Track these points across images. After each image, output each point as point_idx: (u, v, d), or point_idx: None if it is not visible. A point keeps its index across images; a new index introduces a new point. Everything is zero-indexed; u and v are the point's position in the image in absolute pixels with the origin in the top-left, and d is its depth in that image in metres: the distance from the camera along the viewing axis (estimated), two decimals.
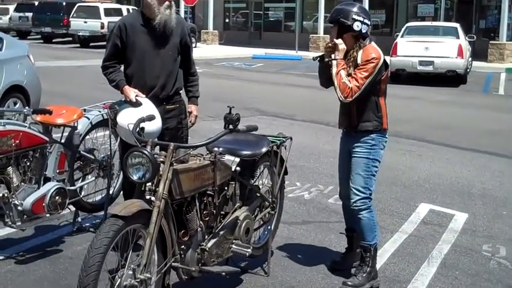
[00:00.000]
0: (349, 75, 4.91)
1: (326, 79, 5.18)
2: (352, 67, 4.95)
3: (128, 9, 37.14)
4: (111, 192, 6.25)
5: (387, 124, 5.13)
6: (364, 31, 4.96)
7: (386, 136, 5.17)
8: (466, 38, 21.44)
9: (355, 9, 4.96)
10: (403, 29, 21.66)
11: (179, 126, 5.53)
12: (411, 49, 19.70)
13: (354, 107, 5.00)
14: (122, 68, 5.52)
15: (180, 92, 5.60)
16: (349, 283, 5.06)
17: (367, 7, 30.30)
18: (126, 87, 5.33)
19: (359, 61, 4.90)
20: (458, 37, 20.34)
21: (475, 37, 23.58)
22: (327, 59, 5.02)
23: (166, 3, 5.30)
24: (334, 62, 4.94)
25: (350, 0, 5.40)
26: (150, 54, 5.36)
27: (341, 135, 5.35)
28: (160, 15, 5.29)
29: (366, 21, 4.97)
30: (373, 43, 5.02)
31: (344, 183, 5.29)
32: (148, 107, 5.14)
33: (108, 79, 5.50)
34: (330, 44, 5.00)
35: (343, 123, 5.22)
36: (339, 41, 4.95)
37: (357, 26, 4.92)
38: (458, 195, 7.86)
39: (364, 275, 5.08)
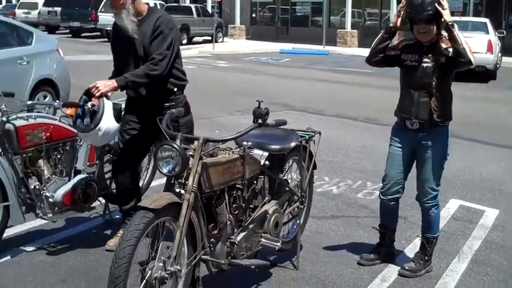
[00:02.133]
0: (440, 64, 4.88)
1: (380, 51, 5.10)
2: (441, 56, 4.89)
3: (155, 4, 37.38)
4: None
5: None
6: None
7: None
8: (496, 33, 21.19)
9: None
10: None
11: (175, 125, 5.10)
12: None
13: (436, 96, 4.90)
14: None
15: (175, 89, 5.35)
16: (407, 267, 5.19)
17: (395, 2, 30.14)
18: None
19: (443, 46, 4.89)
20: (487, 32, 20.13)
21: (504, 32, 23.29)
22: (450, 22, 4.79)
23: (114, 10, 5.23)
24: (456, 25, 4.78)
25: None
26: (129, 54, 5.27)
27: (397, 130, 5.20)
28: (116, 21, 5.27)
29: None
30: None
31: (397, 180, 5.18)
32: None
33: None
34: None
35: (418, 115, 4.97)
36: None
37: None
38: (489, 191, 7.78)
39: (421, 262, 5.21)
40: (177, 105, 5.25)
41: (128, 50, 5.27)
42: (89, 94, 5.07)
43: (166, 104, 5.26)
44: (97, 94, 5.01)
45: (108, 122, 5.04)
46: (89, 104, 5.03)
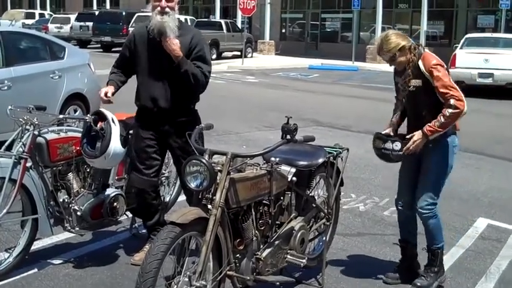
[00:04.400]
0: (406, 88, 4.93)
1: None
2: (412, 77, 4.92)
3: (185, 19, 37.66)
4: (167, 199, 6.33)
5: (459, 125, 5.08)
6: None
7: (457, 139, 5.12)
8: None
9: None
10: (462, 41, 21.32)
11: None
12: (470, 61, 19.39)
13: (425, 111, 4.94)
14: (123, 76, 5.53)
15: (192, 106, 5.38)
16: (418, 284, 5.14)
17: (425, 18, 30.09)
18: (103, 89, 5.32)
19: (423, 69, 4.87)
20: None
21: None
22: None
23: (158, 8, 5.06)
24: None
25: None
26: (154, 65, 5.21)
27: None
28: (153, 21, 5.10)
29: None
30: (427, 50, 5.05)
31: (407, 191, 5.22)
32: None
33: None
34: None
35: (415, 130, 5.03)
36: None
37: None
38: None
39: (432, 274, 5.16)
40: (194, 119, 5.30)
41: (153, 60, 5.22)
42: (97, 117, 5.15)
43: (183, 119, 5.27)
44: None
45: (114, 149, 5.12)
46: (97, 127, 5.13)
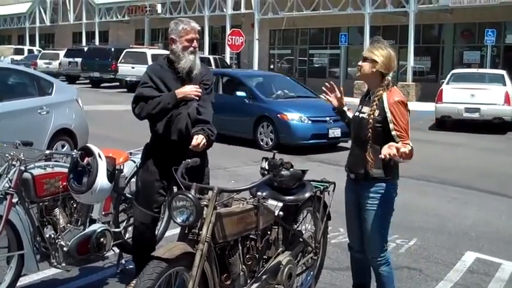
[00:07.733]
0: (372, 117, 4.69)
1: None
2: (377, 109, 4.67)
3: None
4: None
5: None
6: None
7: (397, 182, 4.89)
8: None
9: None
10: (448, 76, 21.53)
11: (200, 175, 5.14)
12: (457, 96, 19.57)
13: (370, 152, 4.69)
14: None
15: None
16: None
17: (412, 53, 30.34)
18: (177, 90, 5.21)
19: (385, 103, 4.64)
20: (505, 84, 20.13)
21: None
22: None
23: (190, 49, 5.20)
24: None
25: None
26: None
27: (346, 182, 5.07)
28: (185, 60, 5.20)
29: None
30: (395, 87, 4.81)
31: (355, 235, 5.02)
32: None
33: (147, 107, 5.22)
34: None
35: (353, 168, 4.88)
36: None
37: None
38: (506, 243, 7.70)
39: None
40: (203, 157, 5.26)
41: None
42: (83, 153, 5.16)
43: (194, 152, 5.13)
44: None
45: (101, 184, 5.12)
46: (84, 163, 5.13)
